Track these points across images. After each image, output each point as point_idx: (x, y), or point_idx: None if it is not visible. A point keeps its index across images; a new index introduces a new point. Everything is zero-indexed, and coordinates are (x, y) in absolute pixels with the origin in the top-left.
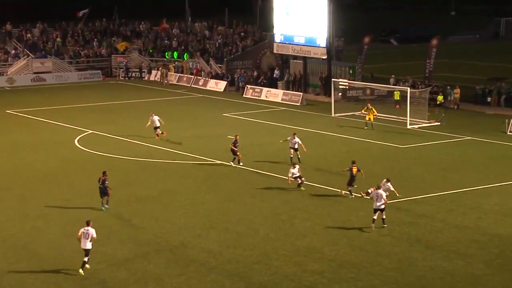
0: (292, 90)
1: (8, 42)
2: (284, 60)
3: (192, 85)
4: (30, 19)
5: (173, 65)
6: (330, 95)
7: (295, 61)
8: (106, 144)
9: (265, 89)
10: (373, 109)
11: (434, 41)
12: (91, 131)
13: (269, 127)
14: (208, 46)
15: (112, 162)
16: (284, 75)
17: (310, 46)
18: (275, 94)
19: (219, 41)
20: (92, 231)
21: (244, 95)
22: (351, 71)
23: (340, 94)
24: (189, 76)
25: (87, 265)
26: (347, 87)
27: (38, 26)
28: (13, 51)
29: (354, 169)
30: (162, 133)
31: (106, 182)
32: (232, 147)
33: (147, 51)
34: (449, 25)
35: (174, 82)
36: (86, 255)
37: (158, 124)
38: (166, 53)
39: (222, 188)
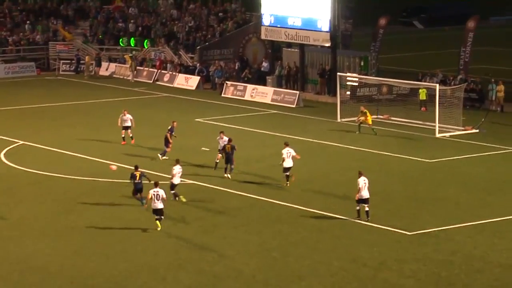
0: (286, 88)
1: None
2: (275, 49)
3: (154, 82)
4: None
5: (130, 55)
6: (334, 94)
7: (289, 49)
8: (41, 159)
9: (250, 87)
10: (367, 112)
11: (471, 23)
12: (21, 142)
13: (256, 136)
14: (176, 30)
15: (48, 182)
16: (275, 68)
17: (308, 31)
18: (264, 93)
19: (190, 24)
20: (162, 192)
21: (222, 95)
22: (362, 63)
23: (348, 93)
24: (150, 69)
25: (159, 224)
26: (357, 84)
27: None
28: None
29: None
30: (131, 137)
31: (144, 176)
32: (168, 136)
33: (96, 37)
34: (491, 2)
35: (130, 78)
36: (160, 214)
37: (129, 124)
38: (121, 40)
39: (194, 216)
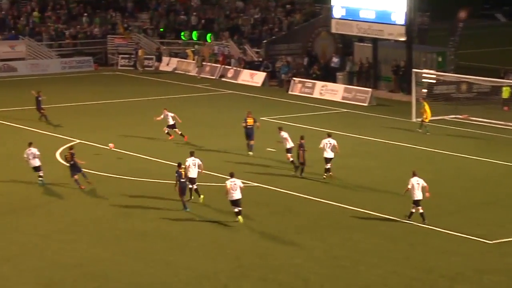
0: (357, 85)
1: None
2: (346, 43)
3: (218, 77)
4: None
5: (192, 49)
6: (409, 92)
7: (361, 44)
8: (97, 158)
9: (319, 84)
10: (426, 106)
11: None
12: (78, 141)
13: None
14: (241, 23)
15: (105, 182)
16: (346, 64)
17: (382, 24)
18: (334, 91)
19: (256, 16)
20: (239, 182)
21: (290, 92)
22: (440, 59)
23: (424, 90)
24: (213, 65)
25: (240, 219)
26: (434, 81)
27: None
28: None
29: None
30: (181, 135)
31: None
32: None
33: (156, 30)
34: None
35: (193, 73)
36: (238, 205)
37: (172, 122)
38: (182, 34)
39: (258, 221)
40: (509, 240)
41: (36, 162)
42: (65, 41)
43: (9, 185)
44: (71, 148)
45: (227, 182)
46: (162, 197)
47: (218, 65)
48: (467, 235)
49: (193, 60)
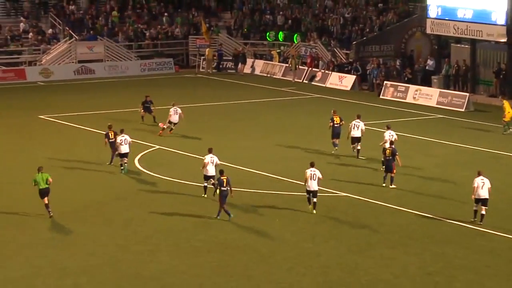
0: (454, 90)
1: (43, 17)
2: (442, 45)
3: (305, 81)
4: None
5: (278, 51)
6: (511, 97)
7: (458, 45)
8: (176, 165)
9: (412, 88)
10: (505, 104)
11: None
12: (158, 147)
13: (419, 144)
14: (330, 24)
15: (184, 190)
16: (442, 66)
17: (481, 24)
18: (428, 95)
19: (346, 15)
20: (318, 173)
21: (381, 96)
22: None
23: None
24: (300, 67)
25: (314, 210)
26: None
27: None
28: (49, 31)
29: (388, 151)
30: (170, 130)
31: (230, 184)
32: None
33: (240, 30)
34: None
35: (279, 76)
36: (314, 196)
37: (176, 121)
38: (268, 34)
39: (347, 233)
40: None
41: (126, 149)
42: (145, 42)
43: (84, 193)
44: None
45: (307, 171)
46: (242, 207)
47: (305, 68)
48: None
49: (278, 61)
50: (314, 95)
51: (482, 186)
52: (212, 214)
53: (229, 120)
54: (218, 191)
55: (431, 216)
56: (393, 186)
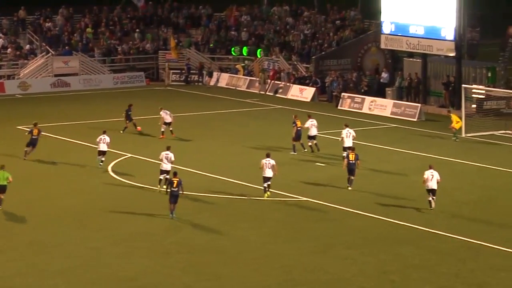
0: (407, 101)
1: (21, 34)
2: (396, 59)
3: (267, 92)
4: (50, 2)
5: (242, 65)
6: (459, 108)
7: (410, 59)
8: (149, 172)
9: (368, 99)
10: (452, 116)
11: None
12: (130, 155)
13: (374, 152)
14: (291, 39)
15: (157, 197)
16: (395, 79)
17: (432, 39)
18: (383, 106)
19: (306, 31)
20: (272, 161)
21: (339, 107)
22: (489, 74)
23: (473, 106)
24: (260, 79)
25: (267, 193)
26: (483, 97)
27: (61, 12)
28: (27, 46)
29: (351, 156)
30: (171, 131)
31: (181, 185)
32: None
33: (207, 45)
34: None
35: (243, 88)
36: (268, 181)
37: (170, 120)
38: (233, 49)
39: (308, 235)
40: None
41: (104, 147)
42: (117, 57)
43: (62, 199)
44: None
45: (262, 160)
46: (211, 211)
47: (268, 80)
48: None
49: (243, 75)
50: (277, 106)
51: (431, 178)
52: (182, 219)
53: (199, 129)
54: (168, 190)
55: (387, 219)
56: (350, 188)
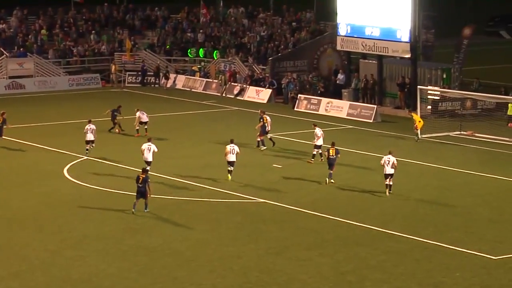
0: (362, 102)
1: None
2: (352, 60)
3: (224, 94)
4: (4, 3)
5: (198, 66)
6: (415, 109)
7: (366, 61)
8: (105, 175)
9: (324, 100)
10: (414, 116)
11: None
12: (85, 157)
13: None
14: (247, 41)
15: (112, 199)
16: (351, 80)
17: (387, 41)
18: (339, 107)
19: (262, 33)
20: (236, 148)
21: (295, 108)
22: (444, 76)
23: (429, 107)
24: (219, 82)
25: (229, 176)
26: (439, 98)
27: (15, 14)
28: None
29: (332, 151)
30: (145, 129)
31: (148, 181)
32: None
33: (163, 47)
34: None
35: (200, 90)
36: (232, 165)
37: (146, 119)
38: (189, 51)
39: (265, 237)
40: None
41: (91, 137)
42: (73, 59)
43: (17, 201)
44: (3, 113)
45: (227, 146)
46: (168, 213)
47: (228, 83)
48: (472, 251)
49: (199, 76)
50: (234, 108)
51: (388, 163)
52: (138, 221)
53: (157, 131)
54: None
55: (344, 220)
56: (332, 181)
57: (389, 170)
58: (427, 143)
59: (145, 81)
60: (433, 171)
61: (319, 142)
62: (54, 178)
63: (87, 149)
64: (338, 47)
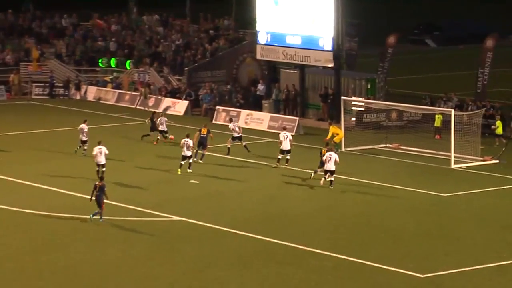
0: (284, 114)
1: None
2: (272, 70)
3: (137, 106)
4: None
5: (110, 77)
6: (338, 121)
7: (287, 71)
8: (13, 193)
9: (244, 112)
10: (331, 128)
11: (490, 42)
12: None
13: (251, 168)
14: (162, 49)
15: (23, 218)
16: (272, 91)
17: (309, 50)
18: (259, 120)
19: (177, 42)
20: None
21: (214, 121)
22: (369, 86)
23: (353, 119)
24: (133, 93)
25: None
26: (363, 109)
27: None
28: None
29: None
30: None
31: (105, 189)
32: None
33: (73, 57)
34: (510, 18)
35: (112, 102)
36: (189, 158)
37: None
38: (100, 60)
39: (183, 256)
40: (441, 274)
41: (84, 137)
42: None
43: None
44: None
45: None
46: (84, 234)
47: (138, 94)
48: (398, 268)
49: (111, 88)
50: (147, 121)
51: (329, 160)
52: (51, 238)
53: (62, 145)
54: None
55: (265, 238)
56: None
57: (330, 166)
58: (352, 156)
59: (53, 92)
60: (358, 185)
61: (285, 146)
62: None
63: (83, 149)
64: (258, 56)
